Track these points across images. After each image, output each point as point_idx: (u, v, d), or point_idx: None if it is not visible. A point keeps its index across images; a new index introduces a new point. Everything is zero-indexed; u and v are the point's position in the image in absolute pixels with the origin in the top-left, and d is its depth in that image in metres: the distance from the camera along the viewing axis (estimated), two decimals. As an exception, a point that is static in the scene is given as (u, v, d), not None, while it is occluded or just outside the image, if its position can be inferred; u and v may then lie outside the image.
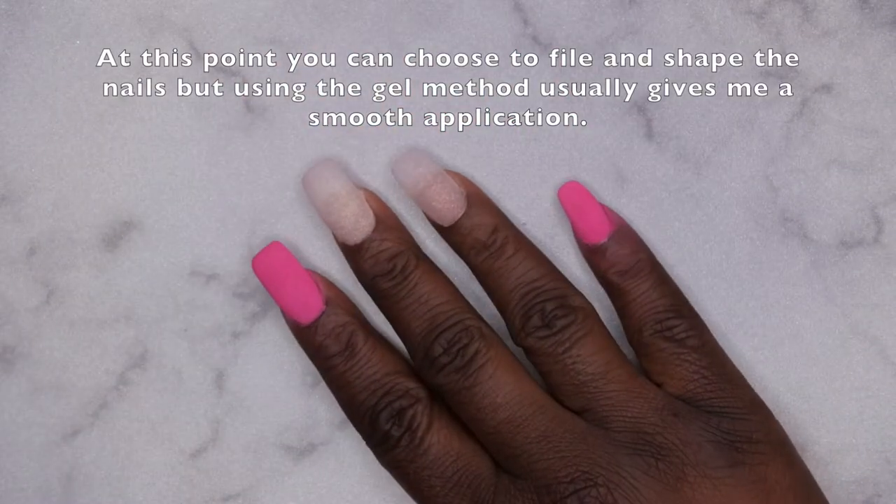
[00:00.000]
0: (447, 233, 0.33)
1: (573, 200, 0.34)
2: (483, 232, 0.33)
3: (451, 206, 0.33)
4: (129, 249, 0.35)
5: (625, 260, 0.33)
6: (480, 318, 0.33)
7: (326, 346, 0.32)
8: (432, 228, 0.34)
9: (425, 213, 0.33)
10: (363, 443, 0.34)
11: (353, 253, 0.33)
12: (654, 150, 0.35)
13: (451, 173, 0.34)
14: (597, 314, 0.33)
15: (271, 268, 0.33)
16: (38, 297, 0.35)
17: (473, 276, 0.34)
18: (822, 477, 0.34)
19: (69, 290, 0.35)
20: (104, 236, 0.35)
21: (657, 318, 0.32)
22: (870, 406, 0.34)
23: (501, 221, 0.33)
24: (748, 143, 0.35)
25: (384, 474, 0.34)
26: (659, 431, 0.31)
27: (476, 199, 0.33)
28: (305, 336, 0.33)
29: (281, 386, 0.35)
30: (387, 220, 0.33)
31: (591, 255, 0.34)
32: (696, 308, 0.34)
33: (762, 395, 0.33)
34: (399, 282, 0.33)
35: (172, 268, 0.35)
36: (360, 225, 0.33)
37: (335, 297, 0.33)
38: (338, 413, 0.34)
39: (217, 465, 0.35)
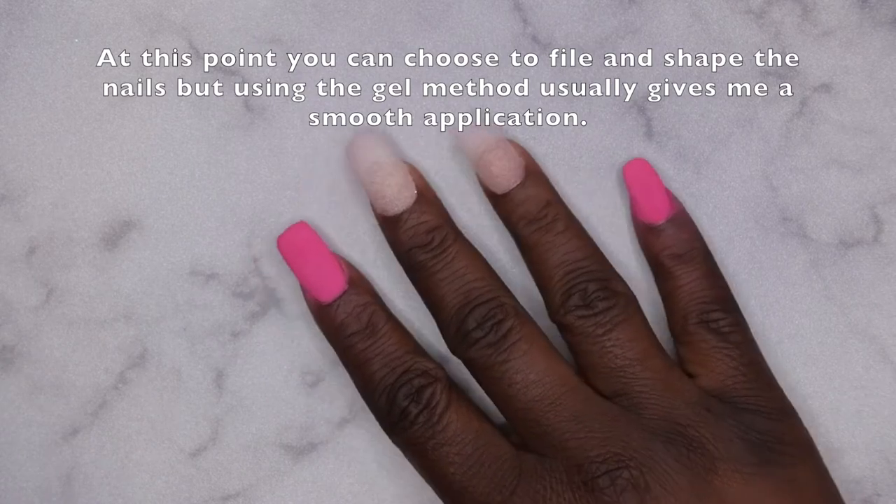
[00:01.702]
0: (499, 201, 0.33)
1: (639, 177, 0.34)
2: (535, 205, 0.33)
3: (508, 173, 0.33)
4: (129, 249, 0.35)
5: (680, 244, 0.33)
6: (514, 298, 0.33)
7: (347, 325, 0.33)
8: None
9: (480, 180, 0.34)
10: (363, 442, 0.34)
11: (390, 224, 0.33)
12: (653, 150, 0.35)
13: (513, 143, 0.34)
14: (637, 302, 0.33)
15: (295, 246, 0.33)
16: (38, 296, 0.35)
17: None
18: (821, 476, 0.34)
19: (69, 289, 0.35)
20: (104, 236, 0.35)
21: (704, 309, 0.32)
22: (869, 405, 0.34)
23: (554, 197, 0.33)
24: (748, 142, 0.35)
25: (384, 474, 0.34)
26: (691, 424, 0.31)
27: (533, 171, 0.33)
28: (326, 315, 0.33)
29: (281, 386, 0.35)
30: (427, 195, 0.33)
31: (647, 234, 0.34)
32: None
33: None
34: (436, 255, 0.32)
35: (172, 267, 0.35)
36: (402, 195, 0.33)
37: (357, 279, 0.33)
38: (337, 412, 0.34)
39: (217, 465, 0.35)
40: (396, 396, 0.31)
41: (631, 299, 0.32)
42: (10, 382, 0.35)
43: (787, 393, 0.34)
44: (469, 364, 0.32)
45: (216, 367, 0.35)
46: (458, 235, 0.33)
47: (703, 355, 0.32)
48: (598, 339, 0.32)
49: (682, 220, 0.33)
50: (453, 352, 0.32)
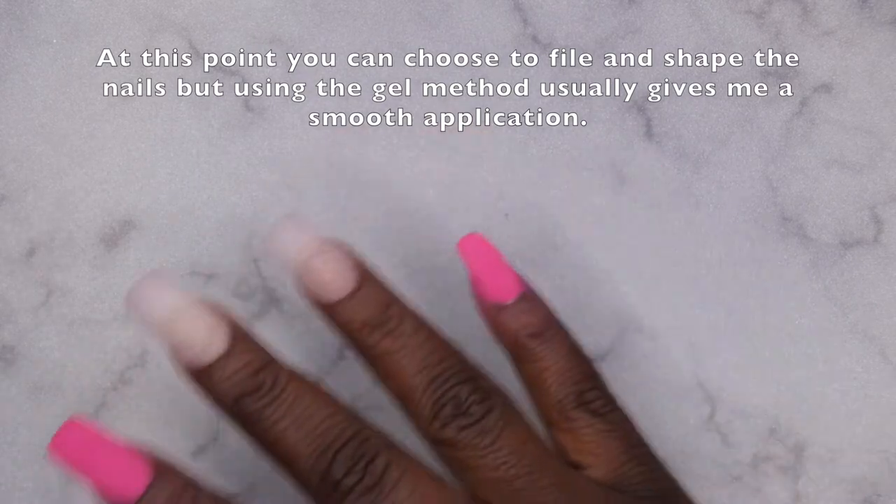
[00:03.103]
0: (332, 311, 0.29)
1: (479, 254, 0.29)
2: (375, 308, 0.28)
3: (339, 277, 0.28)
4: (129, 249, 0.35)
5: (538, 321, 0.29)
6: (376, 427, 0.28)
7: None
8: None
9: (306, 289, 0.29)
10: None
11: (203, 377, 0.27)
12: (653, 150, 0.35)
13: (339, 243, 0.29)
14: (510, 395, 0.29)
15: (72, 447, 0.26)
16: (38, 297, 0.35)
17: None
18: (821, 476, 0.34)
19: (69, 289, 0.35)
20: (104, 236, 0.35)
21: (580, 389, 0.29)
22: (869, 405, 0.34)
23: (394, 296, 0.29)
24: (748, 142, 0.35)
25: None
26: None
27: (364, 272, 0.29)
28: None
29: (281, 386, 0.35)
30: (241, 331, 0.28)
31: (498, 315, 0.29)
32: (697, 307, 0.34)
33: (761, 396, 0.33)
34: (271, 400, 0.27)
35: (172, 267, 0.35)
36: (214, 339, 0.27)
37: (164, 466, 0.27)
38: (338, 413, 0.34)
39: (217, 465, 0.34)
40: None
41: (505, 394, 0.28)
42: (10, 382, 0.35)
43: (787, 393, 0.34)
44: None
45: (216, 368, 0.35)
46: (290, 370, 0.28)
47: (590, 443, 0.28)
48: (487, 450, 0.27)
49: (533, 294, 0.30)
50: None
